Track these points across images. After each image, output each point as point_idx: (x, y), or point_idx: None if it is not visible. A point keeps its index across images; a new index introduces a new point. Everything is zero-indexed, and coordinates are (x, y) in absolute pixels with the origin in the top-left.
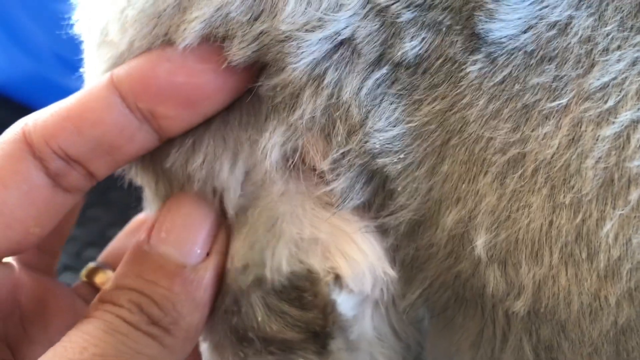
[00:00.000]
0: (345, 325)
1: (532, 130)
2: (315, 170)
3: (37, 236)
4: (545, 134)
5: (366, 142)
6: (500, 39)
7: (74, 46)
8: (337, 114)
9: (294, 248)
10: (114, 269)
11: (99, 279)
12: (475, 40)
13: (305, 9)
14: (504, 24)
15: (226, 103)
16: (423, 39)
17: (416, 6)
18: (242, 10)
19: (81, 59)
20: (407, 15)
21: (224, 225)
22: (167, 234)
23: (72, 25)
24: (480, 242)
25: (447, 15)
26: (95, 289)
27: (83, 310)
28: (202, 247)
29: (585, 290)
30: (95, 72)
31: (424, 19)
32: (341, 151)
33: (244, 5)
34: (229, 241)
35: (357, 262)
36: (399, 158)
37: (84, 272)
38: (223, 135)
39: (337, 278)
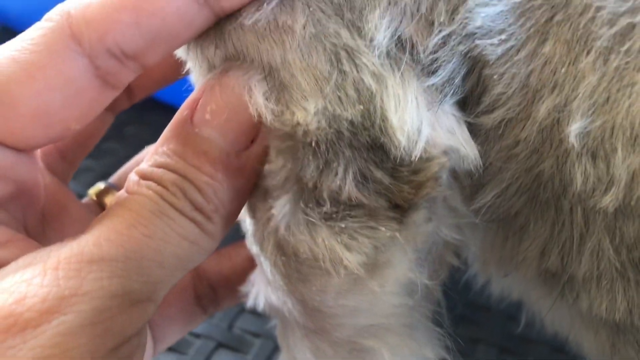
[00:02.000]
0: (436, 198)
1: None
2: (419, 61)
3: (75, 131)
4: None
5: (468, 21)
6: None
7: None
8: None
9: (402, 137)
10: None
11: (108, 199)
12: None
13: None
14: None
15: None
16: None
17: None
18: None
19: None
20: None
21: None
22: (212, 116)
23: None
24: (574, 129)
25: None
26: (103, 208)
27: None
28: (248, 134)
29: None
30: None
31: None
32: (443, 34)
33: None
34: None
35: (465, 144)
36: (500, 40)
37: (93, 190)
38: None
39: (448, 157)
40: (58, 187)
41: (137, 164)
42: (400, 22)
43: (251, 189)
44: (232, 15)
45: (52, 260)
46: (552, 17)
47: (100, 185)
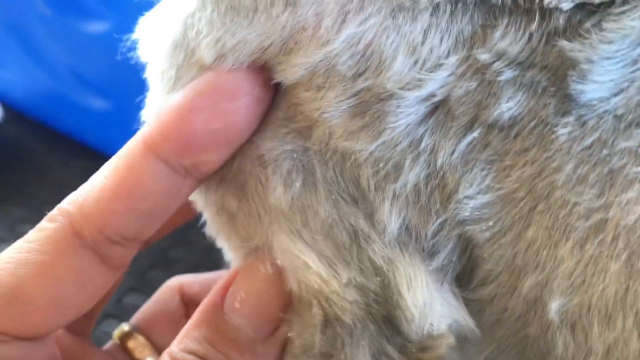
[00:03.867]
0: None
1: (616, 196)
2: (422, 246)
3: (87, 309)
4: (628, 200)
5: (458, 210)
6: (592, 101)
7: (91, 64)
8: (435, 182)
9: (415, 312)
10: (144, 335)
11: (131, 343)
12: (567, 102)
13: (411, 68)
14: (597, 86)
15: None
16: (519, 100)
17: (518, 64)
18: (349, 64)
19: (98, 77)
20: (508, 74)
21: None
22: (242, 305)
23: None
24: (554, 306)
25: (545, 75)
26: (127, 352)
27: None
28: (274, 320)
29: None
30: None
31: (523, 79)
32: (439, 220)
33: (352, 60)
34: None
35: (465, 317)
36: (488, 226)
37: (117, 333)
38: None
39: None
40: (76, 346)
41: (157, 304)
42: (407, 211)
43: None
44: (261, 197)
45: None
46: (534, 207)
47: (124, 328)
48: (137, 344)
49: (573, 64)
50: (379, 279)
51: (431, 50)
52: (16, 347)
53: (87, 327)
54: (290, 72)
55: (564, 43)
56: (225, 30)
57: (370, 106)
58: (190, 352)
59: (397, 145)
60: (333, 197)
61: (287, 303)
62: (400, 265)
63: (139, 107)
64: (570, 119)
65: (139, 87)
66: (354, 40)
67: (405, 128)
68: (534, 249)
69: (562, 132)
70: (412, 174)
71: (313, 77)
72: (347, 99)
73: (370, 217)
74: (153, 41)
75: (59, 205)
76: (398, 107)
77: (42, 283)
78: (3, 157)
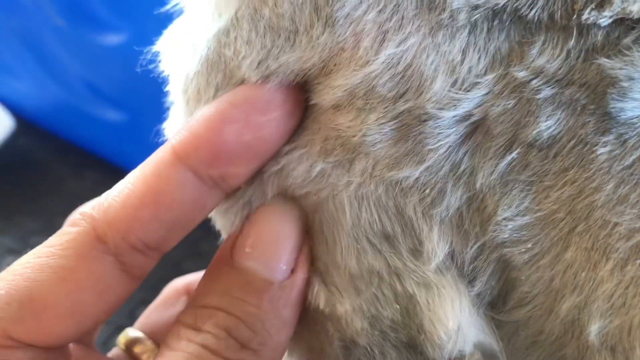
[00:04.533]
0: None
1: None
2: (462, 270)
3: (104, 321)
4: None
5: (497, 232)
6: (632, 119)
7: (105, 76)
8: (476, 204)
9: (451, 336)
10: (151, 339)
11: (138, 348)
12: (607, 120)
13: (450, 89)
14: (637, 104)
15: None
16: (558, 119)
17: (556, 81)
18: (389, 86)
19: (112, 89)
20: (546, 92)
21: (307, 239)
22: (253, 248)
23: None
24: (594, 329)
25: (584, 92)
26: (135, 358)
27: None
28: (288, 262)
29: None
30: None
31: (562, 97)
32: (478, 244)
33: (392, 81)
34: (312, 254)
35: (493, 341)
36: (527, 248)
37: (122, 339)
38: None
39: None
40: (84, 355)
41: (162, 306)
42: (452, 237)
43: (297, 320)
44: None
45: None
46: (574, 228)
47: (129, 333)
48: (144, 348)
49: (613, 81)
50: (397, 306)
51: (470, 70)
52: (29, 354)
53: (92, 336)
54: (329, 94)
55: (603, 60)
56: (267, 53)
57: (412, 129)
58: (202, 306)
59: (440, 169)
60: (359, 246)
61: (302, 243)
62: (443, 290)
63: (152, 118)
64: (610, 137)
65: (153, 98)
66: (394, 61)
67: (447, 150)
68: (573, 270)
69: (602, 151)
70: (454, 198)
71: (353, 99)
72: (389, 121)
73: (413, 253)
74: (176, 56)
75: (81, 210)
76: (436, 127)
77: (61, 289)
78: (16, 169)
